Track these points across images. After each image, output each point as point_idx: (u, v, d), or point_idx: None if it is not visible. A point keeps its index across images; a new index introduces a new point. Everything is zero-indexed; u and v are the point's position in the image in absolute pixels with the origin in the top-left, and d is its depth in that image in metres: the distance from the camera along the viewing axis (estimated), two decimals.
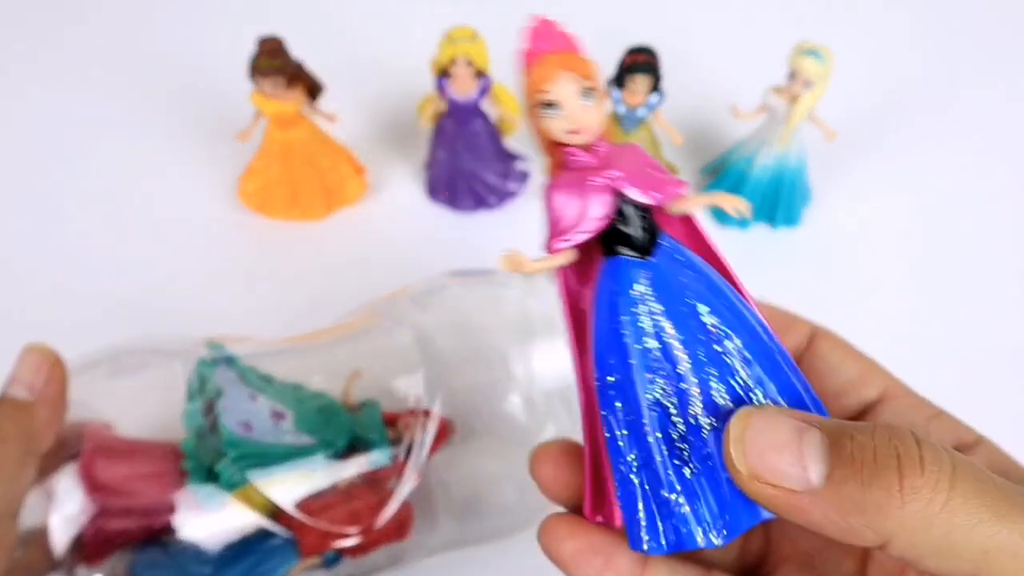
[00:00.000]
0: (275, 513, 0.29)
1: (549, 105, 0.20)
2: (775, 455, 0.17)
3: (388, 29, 0.66)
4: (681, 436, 0.19)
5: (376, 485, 0.31)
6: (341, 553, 0.31)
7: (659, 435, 0.19)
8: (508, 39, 0.52)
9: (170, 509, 0.28)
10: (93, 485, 0.27)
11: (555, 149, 0.21)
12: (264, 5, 0.68)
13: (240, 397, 0.30)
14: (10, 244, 0.51)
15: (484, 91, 0.49)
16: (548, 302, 0.35)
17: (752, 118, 0.51)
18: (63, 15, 0.67)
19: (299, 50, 0.48)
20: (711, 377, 0.19)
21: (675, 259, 0.21)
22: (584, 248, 0.21)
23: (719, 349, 0.20)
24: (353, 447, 0.31)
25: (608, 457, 0.19)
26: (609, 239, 0.20)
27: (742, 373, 0.19)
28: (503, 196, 0.54)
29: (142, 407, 0.31)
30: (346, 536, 0.30)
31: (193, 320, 0.47)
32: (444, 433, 0.32)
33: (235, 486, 0.28)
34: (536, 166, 0.56)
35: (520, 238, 0.45)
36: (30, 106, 0.60)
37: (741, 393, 0.19)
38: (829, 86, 0.48)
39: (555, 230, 0.20)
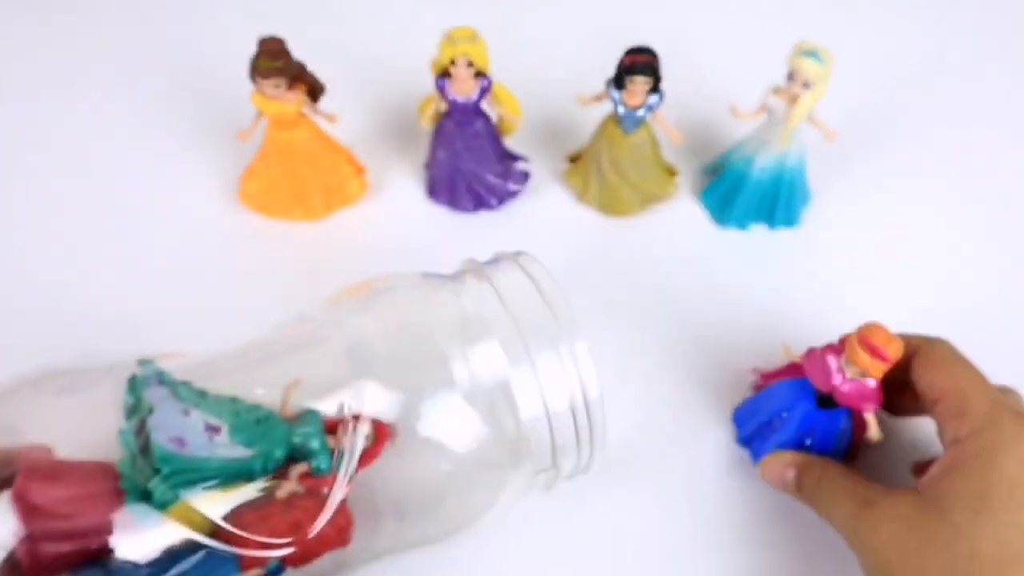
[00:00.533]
0: (213, 528, 0.29)
1: (856, 370, 0.37)
2: (773, 473, 0.41)
3: (388, 29, 0.66)
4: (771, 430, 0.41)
5: (317, 494, 0.31)
6: (283, 563, 0.31)
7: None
8: (508, 39, 0.52)
9: (108, 530, 0.28)
10: (28, 509, 0.27)
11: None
12: (265, 5, 0.68)
13: (172, 413, 0.30)
14: (7, 242, 0.51)
15: (484, 91, 0.49)
16: (483, 305, 0.35)
17: (752, 118, 0.51)
18: (62, 14, 0.67)
19: (300, 51, 0.48)
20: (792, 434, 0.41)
21: (831, 414, 0.39)
22: (796, 369, 0.41)
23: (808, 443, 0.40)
24: (293, 457, 0.31)
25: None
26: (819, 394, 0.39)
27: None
28: (503, 196, 0.54)
29: (83, 427, 0.31)
30: (284, 547, 0.30)
31: (193, 319, 0.47)
32: (383, 437, 0.32)
33: (167, 504, 0.28)
34: (536, 166, 0.56)
35: (520, 239, 0.45)
36: (28, 106, 0.60)
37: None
38: (829, 87, 0.48)
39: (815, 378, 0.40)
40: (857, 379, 0.37)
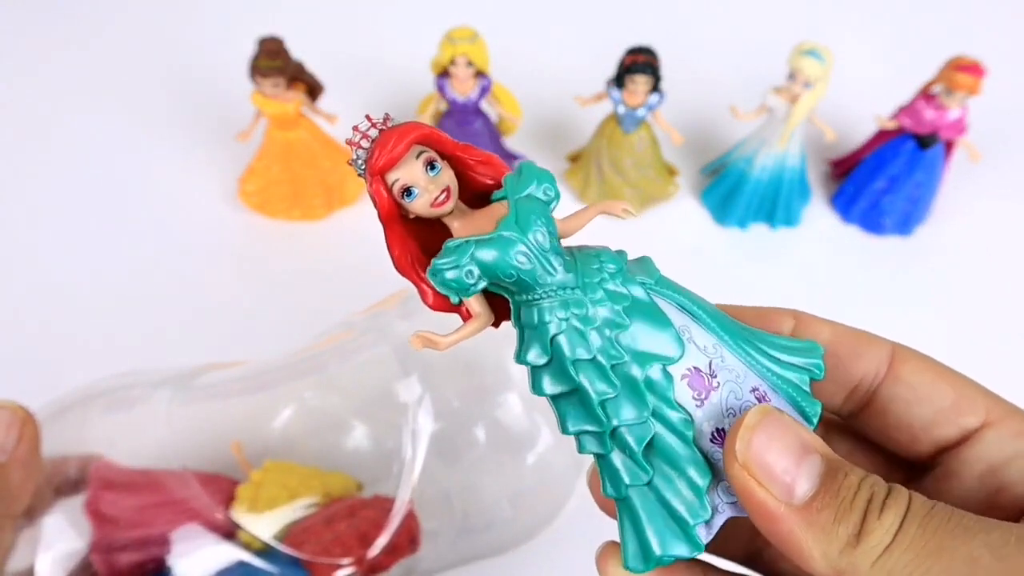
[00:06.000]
0: (282, 537, 0.29)
1: (961, 95, 0.41)
2: (775, 457, 0.18)
3: (388, 29, 0.66)
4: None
5: (380, 506, 0.30)
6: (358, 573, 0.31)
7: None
8: (508, 39, 0.52)
9: (179, 539, 0.28)
10: (101, 519, 0.27)
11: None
12: (265, 5, 0.68)
13: None
14: (7, 244, 0.51)
15: (484, 91, 0.49)
16: None
17: (752, 118, 0.51)
18: (63, 16, 0.67)
19: (299, 50, 0.48)
20: None
21: (931, 151, 0.46)
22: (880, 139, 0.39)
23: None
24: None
25: None
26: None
27: None
28: None
29: (135, 440, 0.31)
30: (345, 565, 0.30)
31: (193, 319, 0.47)
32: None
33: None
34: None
35: None
36: (29, 106, 0.60)
37: None
38: (829, 86, 0.48)
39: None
40: (949, 109, 0.47)
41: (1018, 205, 0.56)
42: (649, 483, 0.19)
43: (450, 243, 0.19)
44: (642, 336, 0.19)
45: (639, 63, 0.47)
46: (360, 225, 0.53)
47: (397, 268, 0.20)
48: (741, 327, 0.21)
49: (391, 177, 0.19)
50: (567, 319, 0.19)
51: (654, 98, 0.49)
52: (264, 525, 0.29)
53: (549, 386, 0.19)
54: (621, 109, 0.49)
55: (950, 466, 0.21)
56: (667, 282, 0.20)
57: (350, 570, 0.30)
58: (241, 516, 0.29)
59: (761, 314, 0.23)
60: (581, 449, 0.20)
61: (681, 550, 0.19)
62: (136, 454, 0.30)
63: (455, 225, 0.20)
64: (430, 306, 0.20)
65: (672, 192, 0.55)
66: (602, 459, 0.19)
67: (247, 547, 0.29)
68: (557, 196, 0.20)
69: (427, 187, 0.19)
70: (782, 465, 0.18)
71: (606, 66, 0.50)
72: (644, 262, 0.20)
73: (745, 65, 0.59)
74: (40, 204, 0.53)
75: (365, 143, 0.19)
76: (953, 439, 0.21)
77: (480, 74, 0.49)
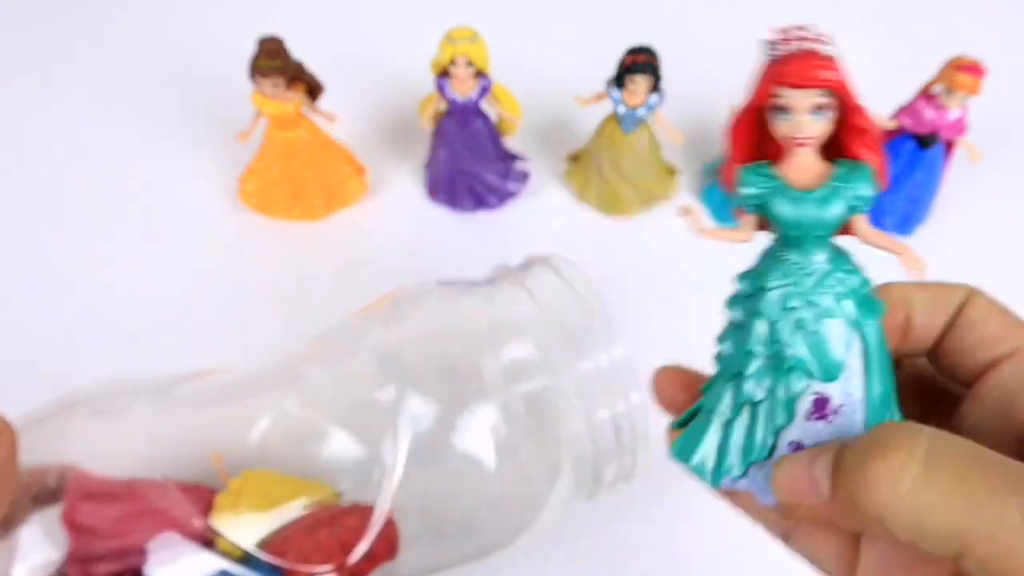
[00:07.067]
0: (264, 544, 0.29)
1: (961, 95, 0.41)
2: (793, 483, 0.20)
3: (388, 29, 0.66)
4: None
5: (361, 513, 0.30)
6: None
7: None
8: (508, 39, 0.52)
9: (158, 548, 0.28)
10: (78, 530, 0.27)
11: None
12: (264, 5, 0.68)
13: None
14: (8, 244, 0.51)
15: (484, 91, 0.49)
16: (518, 311, 0.34)
17: None
18: (63, 16, 0.67)
19: (299, 50, 0.48)
20: None
21: (932, 150, 0.43)
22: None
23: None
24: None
25: None
26: None
27: None
28: (503, 196, 0.54)
29: (117, 449, 0.31)
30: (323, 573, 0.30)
31: (192, 318, 0.47)
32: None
33: None
34: (536, 166, 0.56)
35: (520, 239, 0.45)
36: (28, 107, 0.60)
37: None
38: None
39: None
40: (949, 109, 0.47)
41: (1018, 205, 0.56)
42: (729, 421, 0.21)
43: (765, 169, 0.21)
44: (819, 344, 0.20)
45: (639, 63, 0.47)
46: (360, 226, 0.53)
47: (729, 143, 0.22)
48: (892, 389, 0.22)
49: (780, 91, 0.20)
50: (783, 285, 0.20)
51: (654, 98, 0.49)
52: (244, 533, 0.29)
53: (733, 313, 0.22)
54: (621, 109, 0.49)
55: (975, 392, 0.22)
56: (880, 332, 0.21)
57: None
58: (221, 525, 0.29)
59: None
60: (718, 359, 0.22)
61: (705, 476, 0.22)
62: (117, 463, 0.30)
63: (792, 162, 0.20)
64: (723, 180, 0.22)
65: (672, 192, 0.55)
66: (724, 380, 0.22)
67: (227, 556, 0.29)
68: (865, 204, 0.20)
69: (802, 127, 0.20)
70: (800, 484, 0.20)
71: (606, 66, 0.50)
72: (878, 306, 0.21)
73: (745, 65, 0.59)
74: (37, 204, 0.53)
75: (786, 46, 0.20)
76: (984, 364, 0.22)
77: (480, 74, 0.49)
